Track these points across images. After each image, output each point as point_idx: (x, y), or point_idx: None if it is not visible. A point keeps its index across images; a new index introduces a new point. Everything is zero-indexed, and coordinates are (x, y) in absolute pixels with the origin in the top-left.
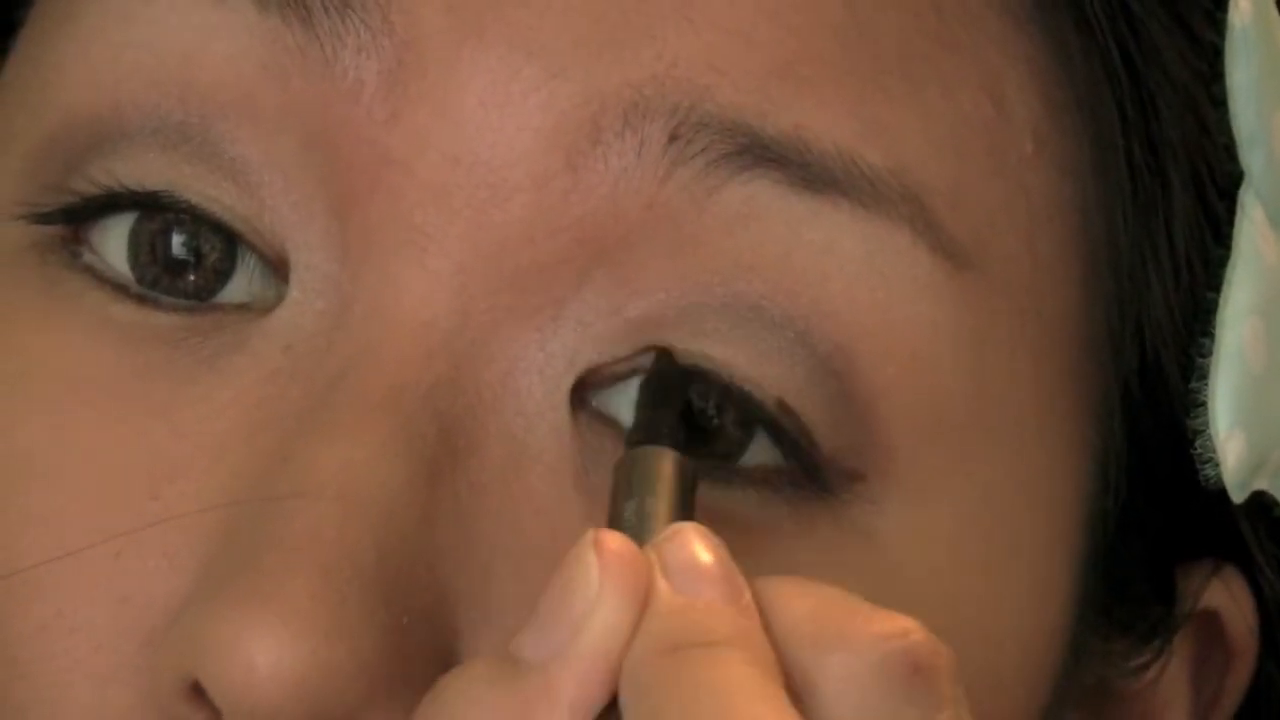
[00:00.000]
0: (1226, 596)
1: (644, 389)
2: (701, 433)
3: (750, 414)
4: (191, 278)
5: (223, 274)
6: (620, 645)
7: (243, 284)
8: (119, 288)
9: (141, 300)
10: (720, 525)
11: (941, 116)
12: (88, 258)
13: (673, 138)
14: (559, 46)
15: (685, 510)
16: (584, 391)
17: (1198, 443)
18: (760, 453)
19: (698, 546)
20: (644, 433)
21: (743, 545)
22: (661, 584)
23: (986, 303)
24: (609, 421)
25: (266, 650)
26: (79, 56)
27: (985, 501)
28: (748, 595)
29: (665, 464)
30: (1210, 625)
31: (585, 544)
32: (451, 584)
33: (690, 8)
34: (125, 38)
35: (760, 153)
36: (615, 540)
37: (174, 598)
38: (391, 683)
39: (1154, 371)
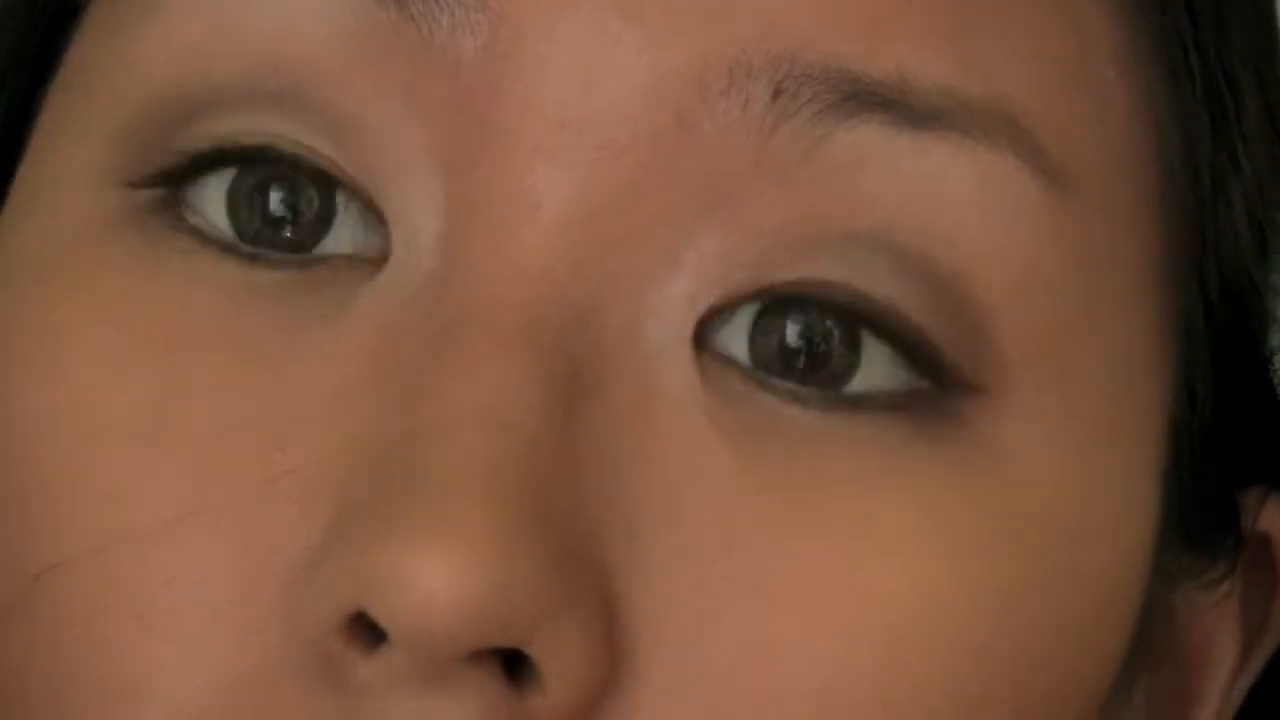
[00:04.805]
0: None
1: None
2: (811, 359)
3: (871, 325)
4: (289, 233)
5: (324, 220)
6: None
7: (345, 232)
8: (226, 246)
9: (251, 258)
10: (844, 451)
11: (1030, 46)
12: (192, 219)
13: (777, 92)
14: (657, 7)
15: None
16: (705, 333)
17: (1277, 360)
18: (875, 376)
19: None
20: None
21: (870, 468)
22: None
23: (1085, 223)
24: (729, 361)
25: (444, 577)
26: (164, 38)
27: (1090, 418)
28: None
29: None
30: (1260, 551)
31: None
32: (597, 513)
33: None
34: (213, 20)
35: (865, 98)
36: None
37: (309, 542)
38: (559, 606)
39: (1236, 288)
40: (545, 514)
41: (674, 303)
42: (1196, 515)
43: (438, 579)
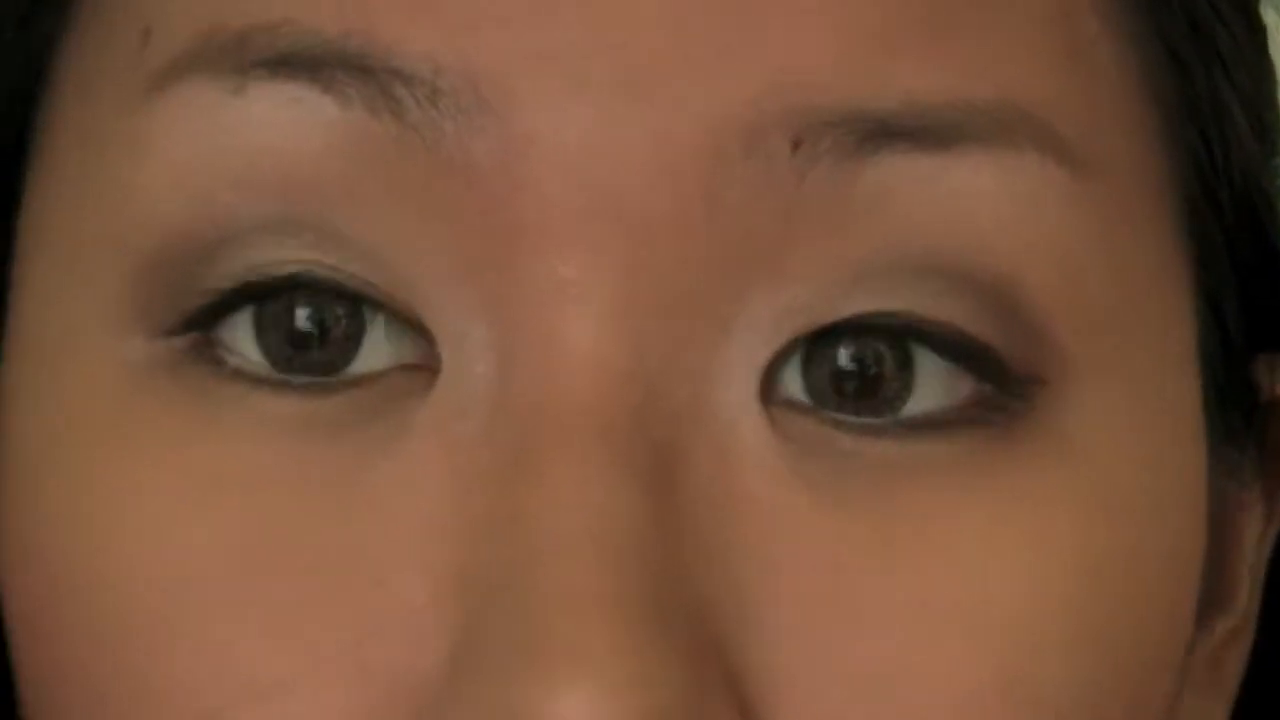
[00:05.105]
0: None
1: None
2: (864, 382)
3: (927, 342)
4: (319, 353)
5: (352, 338)
6: None
7: (377, 347)
8: (276, 385)
9: (303, 390)
10: (925, 480)
11: (1023, 27)
12: (230, 360)
13: (796, 144)
14: (665, 81)
15: None
16: (770, 384)
17: None
18: (934, 393)
19: None
20: None
21: (953, 491)
22: None
23: (1106, 195)
24: (791, 404)
25: (587, 712)
26: (158, 177)
27: (1144, 383)
28: None
29: None
30: (1273, 412)
31: None
32: (704, 599)
33: (779, 8)
34: (208, 147)
35: (882, 132)
36: None
37: (429, 678)
38: (700, 712)
39: (1246, 199)
40: (668, 621)
41: (734, 367)
42: (1227, 417)
43: (581, 716)
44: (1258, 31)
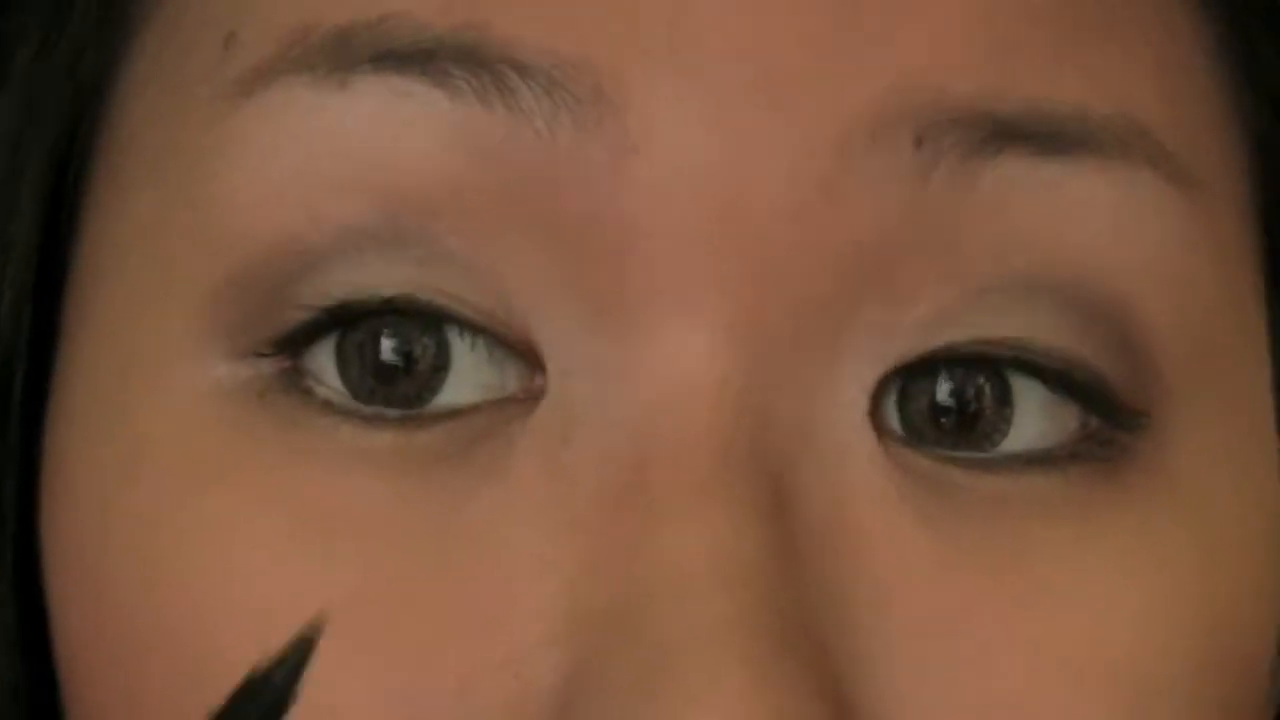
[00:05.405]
0: None
1: None
2: (963, 417)
3: (1038, 373)
4: (403, 385)
5: (438, 369)
6: None
7: (471, 375)
8: (370, 417)
9: (397, 424)
10: (1040, 517)
11: (1137, 45)
12: (320, 391)
13: (919, 142)
14: (788, 74)
15: None
16: (877, 411)
17: None
18: (1034, 428)
19: None
20: None
21: (1066, 527)
22: None
23: (1212, 212)
24: (900, 439)
25: None
26: (254, 179)
27: (1237, 410)
28: None
29: None
30: None
31: None
32: (821, 632)
33: (906, 9)
34: (307, 150)
35: (1005, 134)
36: None
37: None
38: None
39: None
40: (795, 655)
41: (843, 384)
42: None
43: None
44: None
